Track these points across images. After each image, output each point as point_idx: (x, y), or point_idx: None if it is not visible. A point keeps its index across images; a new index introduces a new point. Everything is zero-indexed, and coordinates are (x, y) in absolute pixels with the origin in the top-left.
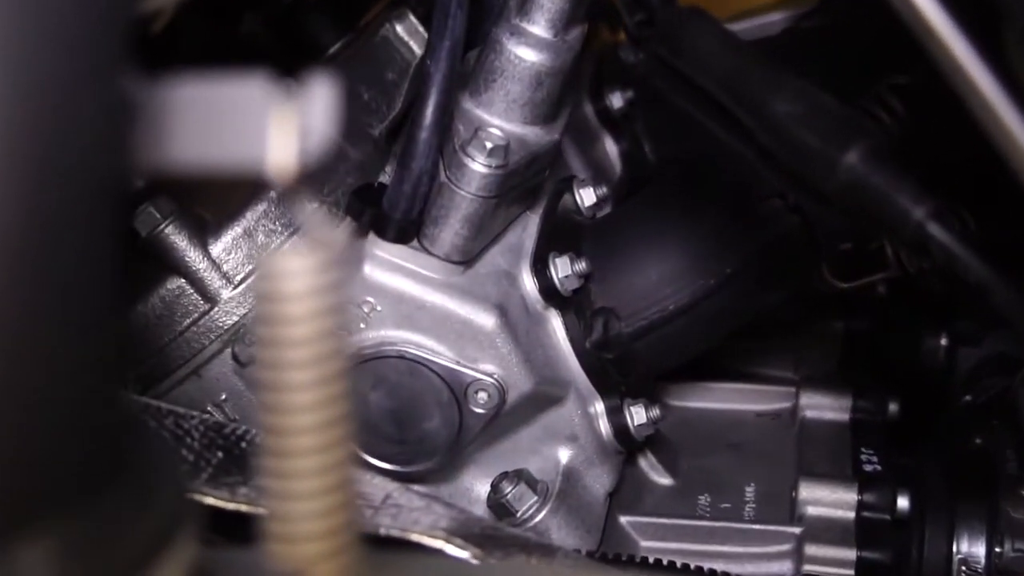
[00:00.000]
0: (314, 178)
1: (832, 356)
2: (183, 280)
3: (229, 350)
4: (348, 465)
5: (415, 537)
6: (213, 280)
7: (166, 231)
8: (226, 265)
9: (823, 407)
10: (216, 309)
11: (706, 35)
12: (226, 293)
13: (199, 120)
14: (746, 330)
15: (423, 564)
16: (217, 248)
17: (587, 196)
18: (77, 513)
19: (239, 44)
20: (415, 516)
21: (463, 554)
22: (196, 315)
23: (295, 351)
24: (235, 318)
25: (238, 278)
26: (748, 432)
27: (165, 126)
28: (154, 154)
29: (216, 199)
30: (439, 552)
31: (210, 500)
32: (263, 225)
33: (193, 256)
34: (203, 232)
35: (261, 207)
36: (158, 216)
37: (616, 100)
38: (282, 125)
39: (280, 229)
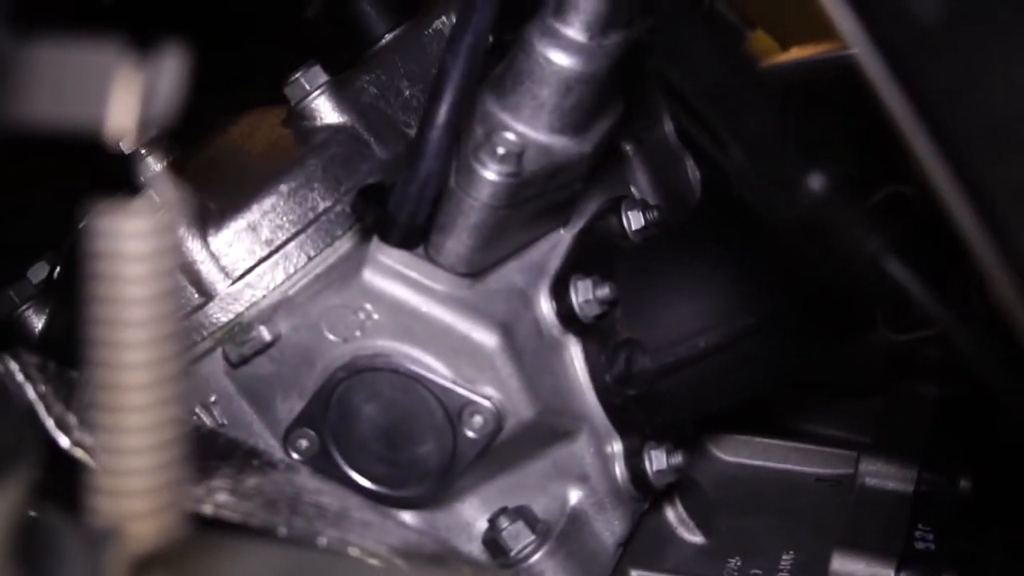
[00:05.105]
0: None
1: (920, 423)
2: (178, 271)
3: (221, 349)
4: (175, 426)
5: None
6: (210, 273)
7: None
8: (225, 259)
9: (885, 475)
10: (211, 304)
11: (703, 45)
12: (223, 288)
13: (51, 81)
14: (820, 386)
15: (264, 550)
16: (218, 240)
17: (635, 219)
18: None
19: (304, 28)
20: (364, 532)
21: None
22: (189, 309)
23: (124, 310)
24: (230, 315)
25: (237, 273)
26: (802, 496)
27: (18, 85)
28: (4, 111)
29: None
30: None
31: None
32: (269, 220)
33: (191, 246)
34: (205, 222)
35: (269, 201)
36: (171, 193)
37: None
38: (126, 90)
39: (287, 225)
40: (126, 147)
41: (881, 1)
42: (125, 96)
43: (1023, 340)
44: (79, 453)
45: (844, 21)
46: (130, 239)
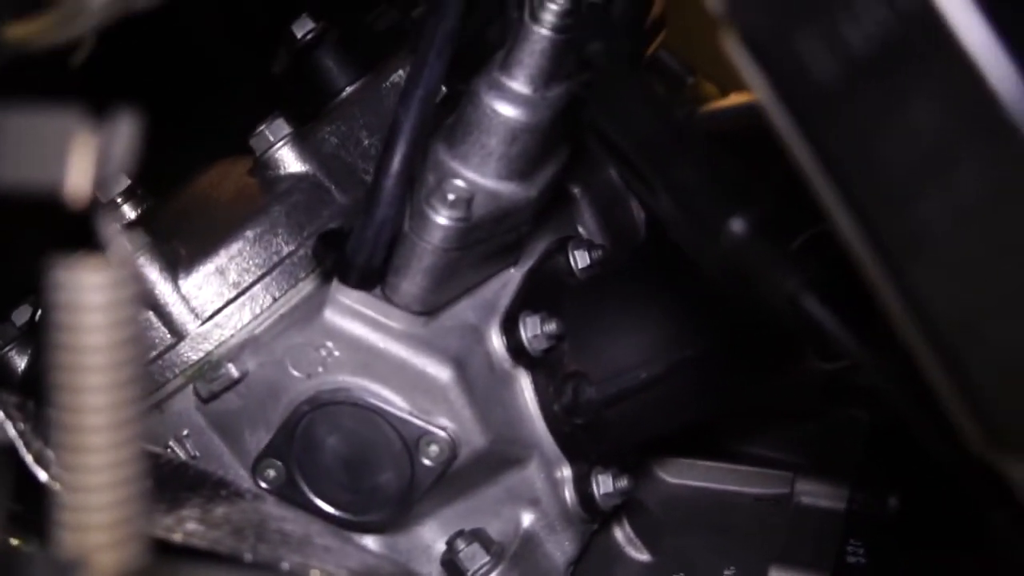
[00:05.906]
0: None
1: (853, 446)
2: (151, 312)
3: (192, 386)
4: (136, 463)
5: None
6: (181, 314)
7: (137, 263)
8: (195, 300)
9: (819, 494)
10: (182, 344)
11: (635, 98)
12: (193, 328)
13: (11, 146)
14: (759, 411)
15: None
16: (188, 284)
17: (581, 258)
18: None
19: (271, 84)
20: (325, 556)
21: None
22: (162, 348)
23: (84, 357)
24: (200, 353)
25: (206, 314)
26: (742, 515)
27: None
28: None
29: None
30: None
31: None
32: (236, 264)
33: (163, 289)
34: (175, 266)
35: (236, 246)
36: (129, 248)
37: None
38: (82, 153)
39: (253, 268)
40: (85, 205)
41: (785, 63)
42: (82, 159)
43: (927, 375)
44: (57, 487)
45: (753, 78)
46: (89, 291)
